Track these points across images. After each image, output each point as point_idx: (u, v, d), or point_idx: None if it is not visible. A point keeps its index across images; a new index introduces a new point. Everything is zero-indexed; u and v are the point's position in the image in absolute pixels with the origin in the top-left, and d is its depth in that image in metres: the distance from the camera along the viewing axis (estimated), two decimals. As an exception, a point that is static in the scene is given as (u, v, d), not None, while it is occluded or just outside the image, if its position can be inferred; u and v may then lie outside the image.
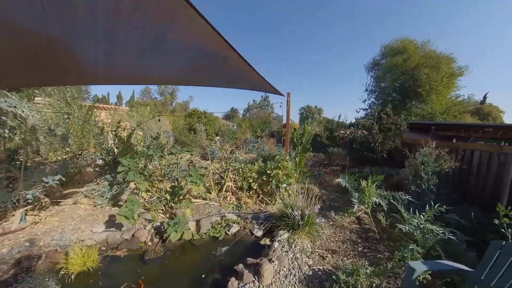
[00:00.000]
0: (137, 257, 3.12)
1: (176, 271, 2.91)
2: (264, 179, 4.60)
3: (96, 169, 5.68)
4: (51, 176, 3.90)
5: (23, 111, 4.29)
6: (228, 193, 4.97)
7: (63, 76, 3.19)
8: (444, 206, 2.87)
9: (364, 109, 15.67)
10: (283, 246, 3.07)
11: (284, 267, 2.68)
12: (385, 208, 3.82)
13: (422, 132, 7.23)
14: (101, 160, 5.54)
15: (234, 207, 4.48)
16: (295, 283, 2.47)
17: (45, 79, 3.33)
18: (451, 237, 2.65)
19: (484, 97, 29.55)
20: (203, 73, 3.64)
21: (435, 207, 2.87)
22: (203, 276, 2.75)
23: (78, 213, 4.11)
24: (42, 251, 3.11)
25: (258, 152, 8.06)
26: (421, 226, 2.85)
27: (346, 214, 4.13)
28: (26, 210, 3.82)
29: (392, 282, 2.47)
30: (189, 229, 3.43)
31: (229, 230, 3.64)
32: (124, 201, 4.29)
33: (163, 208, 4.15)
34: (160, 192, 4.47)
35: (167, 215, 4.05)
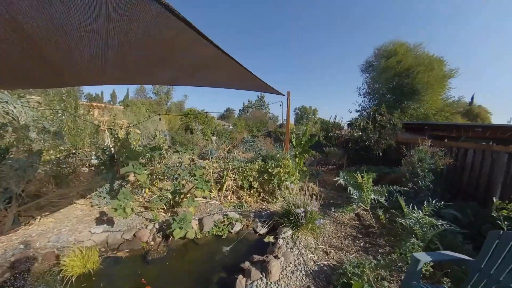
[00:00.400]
0: (140, 258, 3.06)
1: (181, 271, 2.87)
2: (265, 177, 4.61)
3: (91, 168, 5.52)
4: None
5: (15, 107, 4.13)
6: (229, 192, 4.96)
7: (60, 78, 3.10)
8: (442, 202, 2.98)
9: (357, 110, 16.00)
10: (287, 243, 3.09)
11: (290, 263, 2.70)
12: (385, 204, 3.92)
13: (415, 132, 7.46)
14: (96, 160, 5.39)
15: (235, 206, 4.47)
16: (302, 278, 2.50)
17: (43, 81, 3.24)
18: (451, 227, 2.76)
19: (472, 99, 30.80)
20: (201, 75, 3.65)
21: (434, 202, 2.97)
22: (208, 274, 2.73)
23: (75, 213, 3.98)
24: (38, 253, 3.00)
25: (256, 151, 8.08)
26: (421, 220, 2.95)
27: (345, 211, 4.21)
28: (19, 211, 3.66)
29: (395, 275, 2.54)
30: (192, 227, 3.40)
31: (232, 229, 3.63)
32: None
33: (164, 207, 4.08)
34: (161, 191, 4.40)
35: (169, 214, 3.99)
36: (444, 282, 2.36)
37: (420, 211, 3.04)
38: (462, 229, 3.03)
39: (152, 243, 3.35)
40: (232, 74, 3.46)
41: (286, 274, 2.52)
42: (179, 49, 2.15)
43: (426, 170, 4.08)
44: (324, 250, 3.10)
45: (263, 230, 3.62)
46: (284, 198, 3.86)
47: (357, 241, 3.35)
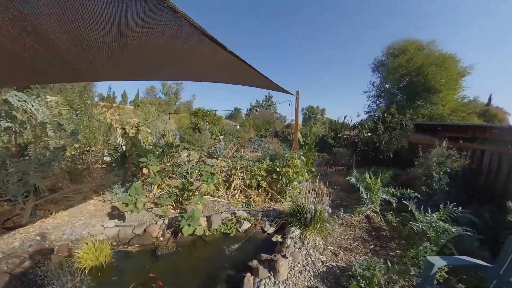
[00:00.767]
0: (149, 253, 3.12)
1: (190, 267, 2.91)
2: (274, 177, 4.60)
3: (103, 165, 5.68)
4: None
5: (32, 105, 4.31)
6: (237, 190, 4.98)
7: (76, 73, 3.23)
8: (460, 208, 2.87)
9: (366, 112, 15.70)
10: (295, 243, 3.07)
11: (298, 263, 2.68)
12: (395, 206, 3.82)
13: (428, 132, 7.23)
14: (108, 157, 5.55)
15: (243, 205, 4.48)
16: (310, 278, 2.48)
17: (54, 76, 3.38)
18: (467, 233, 2.65)
19: (489, 99, 29.55)
20: (211, 71, 3.69)
21: (451, 206, 2.87)
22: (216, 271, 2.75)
23: (88, 208, 4.11)
24: (53, 245, 3.12)
25: (263, 151, 8.07)
26: (434, 224, 2.86)
27: (355, 213, 4.14)
28: (36, 204, 3.82)
29: (407, 279, 2.47)
30: (201, 225, 3.44)
31: (240, 227, 3.64)
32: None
33: (173, 204, 4.15)
34: (170, 188, 4.48)
35: (178, 210, 4.06)
36: (460, 288, 2.28)
37: (433, 215, 2.94)
38: (478, 233, 2.91)
39: (161, 238, 3.41)
40: (242, 73, 3.49)
41: (294, 274, 2.51)
42: (190, 49, 2.18)
43: (442, 173, 3.95)
44: (333, 251, 3.06)
45: (271, 229, 3.61)
46: (292, 197, 3.84)
47: (367, 243, 3.29)
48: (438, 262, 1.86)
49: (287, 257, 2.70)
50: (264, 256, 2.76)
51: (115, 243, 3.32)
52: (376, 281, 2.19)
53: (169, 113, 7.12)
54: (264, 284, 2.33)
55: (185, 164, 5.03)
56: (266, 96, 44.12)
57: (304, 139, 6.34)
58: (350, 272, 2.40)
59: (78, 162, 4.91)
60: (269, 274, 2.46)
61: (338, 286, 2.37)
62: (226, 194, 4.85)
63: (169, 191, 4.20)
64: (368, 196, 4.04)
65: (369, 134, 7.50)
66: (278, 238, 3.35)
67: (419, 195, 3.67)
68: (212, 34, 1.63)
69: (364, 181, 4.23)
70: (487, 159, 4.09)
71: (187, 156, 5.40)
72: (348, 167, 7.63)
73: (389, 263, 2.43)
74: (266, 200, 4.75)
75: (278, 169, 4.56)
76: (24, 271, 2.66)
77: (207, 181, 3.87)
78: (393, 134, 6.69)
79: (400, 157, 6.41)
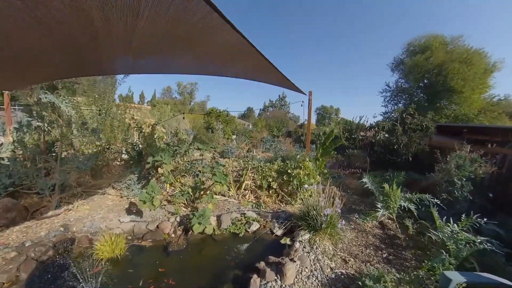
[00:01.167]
0: (161, 248, 3.24)
1: (198, 264, 2.98)
2: (285, 178, 4.57)
3: (122, 162, 5.98)
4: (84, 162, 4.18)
5: (60, 106, 4.63)
6: (247, 191, 5.00)
7: (99, 66, 3.49)
8: (485, 219, 2.66)
9: (383, 113, 15.01)
10: (304, 247, 3.02)
11: (306, 268, 2.64)
12: (416, 214, 3.62)
13: (451, 135, 6.77)
14: (126, 155, 5.83)
15: (253, 205, 4.50)
16: (318, 285, 2.43)
17: (81, 70, 3.65)
18: (491, 246, 2.45)
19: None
20: (223, 64, 3.74)
21: (475, 217, 2.67)
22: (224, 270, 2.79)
23: (106, 203, 4.35)
24: (75, 236, 3.34)
25: (275, 151, 8.03)
26: (455, 235, 2.67)
27: (368, 218, 3.99)
28: (61, 197, 4.11)
29: (422, 292, 2.34)
30: (211, 224, 3.50)
31: (249, 228, 3.67)
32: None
33: (185, 202, 4.27)
34: (183, 186, 4.61)
35: (189, 209, 4.17)
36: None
37: (455, 224, 2.75)
38: (506, 248, 2.68)
39: (173, 235, 3.52)
40: (256, 66, 3.50)
41: (301, 279, 2.47)
42: (205, 33, 2.18)
43: (464, 179, 3.68)
44: (343, 257, 2.97)
45: (279, 232, 3.59)
46: (303, 200, 3.78)
47: (380, 252, 3.16)
48: (457, 278, 1.74)
49: (295, 261, 2.67)
50: (272, 258, 2.75)
51: (130, 237, 3.48)
52: (387, 293, 2.10)
53: (183, 113, 7.33)
54: (270, 287, 2.33)
55: (197, 163, 5.14)
56: (279, 96, 43.87)
57: (321, 140, 6.20)
58: (359, 282, 2.31)
59: (99, 159, 5.20)
60: (275, 277, 2.45)
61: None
62: (237, 194, 4.90)
63: (181, 190, 4.32)
64: (384, 203, 3.87)
65: (386, 135, 7.16)
66: (287, 240, 3.32)
67: (438, 202, 3.45)
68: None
69: (377, 184, 4.06)
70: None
71: (200, 155, 5.53)
72: (363, 169, 7.37)
73: (401, 274, 2.31)
74: (276, 201, 4.72)
75: (289, 171, 4.52)
76: (49, 259, 2.88)
77: (220, 182, 3.93)
78: (413, 136, 6.34)
79: (420, 161, 6.07)
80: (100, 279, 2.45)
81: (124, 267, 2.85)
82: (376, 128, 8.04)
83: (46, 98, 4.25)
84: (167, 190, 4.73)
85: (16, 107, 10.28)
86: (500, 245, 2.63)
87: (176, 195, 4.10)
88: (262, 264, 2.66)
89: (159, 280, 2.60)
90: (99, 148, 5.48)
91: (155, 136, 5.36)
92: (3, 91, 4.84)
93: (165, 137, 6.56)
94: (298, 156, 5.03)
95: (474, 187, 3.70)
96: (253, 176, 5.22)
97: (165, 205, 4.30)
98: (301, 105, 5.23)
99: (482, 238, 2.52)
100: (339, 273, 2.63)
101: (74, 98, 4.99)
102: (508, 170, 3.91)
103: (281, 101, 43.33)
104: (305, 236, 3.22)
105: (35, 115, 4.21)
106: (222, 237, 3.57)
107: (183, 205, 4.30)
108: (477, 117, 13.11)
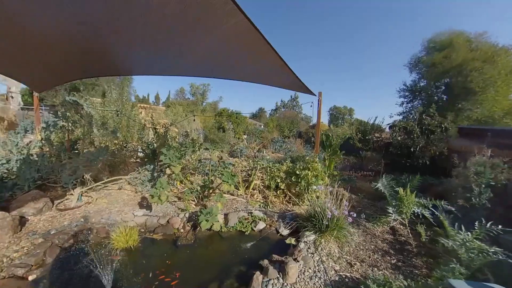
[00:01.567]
0: (171, 242, 3.40)
1: (205, 259, 3.09)
2: (293, 179, 4.57)
3: (137, 160, 6.31)
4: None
5: (83, 107, 5.00)
6: (255, 191, 5.07)
7: (114, 67, 3.75)
8: (499, 226, 2.51)
9: (400, 113, 14.35)
10: (309, 248, 3.03)
11: (310, 268, 2.65)
12: (431, 220, 3.48)
13: (474, 138, 6.37)
14: (141, 153, 6.14)
15: (261, 205, 4.55)
16: (320, 286, 2.43)
17: (99, 70, 3.94)
18: (505, 258, 2.30)
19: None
20: (238, 67, 3.84)
21: (489, 224, 2.53)
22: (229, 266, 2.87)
23: (122, 197, 4.63)
24: (93, 227, 3.59)
25: (285, 152, 8.02)
26: (468, 244, 2.55)
27: (379, 223, 3.89)
28: (82, 191, 4.44)
29: (429, 300, 2.26)
30: (218, 221, 3.61)
31: (255, 227, 3.73)
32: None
33: (195, 199, 4.42)
34: (192, 184, 4.77)
35: (199, 206, 4.32)
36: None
37: (468, 232, 2.62)
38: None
39: (182, 230, 3.67)
40: (267, 68, 3.55)
41: (303, 279, 2.49)
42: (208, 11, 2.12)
43: (483, 186, 3.48)
44: (349, 261, 2.94)
45: (285, 232, 3.62)
46: (310, 201, 3.77)
47: (388, 257, 3.08)
48: (462, 287, 1.67)
49: (298, 261, 2.69)
50: (275, 257, 2.79)
51: (142, 230, 3.68)
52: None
53: (194, 115, 7.56)
54: (272, 284, 2.37)
55: (206, 162, 5.30)
56: (291, 96, 43.47)
57: (327, 141, 6.11)
58: (363, 286, 2.28)
59: (117, 157, 5.53)
60: (278, 275, 2.49)
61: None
62: (245, 194, 4.98)
63: (191, 187, 4.48)
64: (397, 208, 3.75)
65: (403, 137, 6.87)
66: (292, 241, 3.34)
67: (453, 209, 3.29)
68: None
69: (390, 188, 3.94)
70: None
71: (209, 155, 5.69)
72: (376, 172, 7.15)
73: (407, 282, 2.25)
74: (284, 202, 4.74)
75: (297, 172, 4.52)
76: (70, 246, 3.14)
77: (227, 182, 4.04)
78: (431, 138, 6.05)
79: (438, 165, 5.78)
80: (115, 266, 2.63)
81: (137, 257, 3.03)
82: (392, 129, 7.75)
83: (70, 99, 4.62)
84: (178, 188, 4.92)
85: (43, 108, 11.17)
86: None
87: (186, 192, 4.26)
88: (265, 262, 2.71)
89: (168, 272, 2.74)
90: (117, 146, 5.83)
91: (168, 136, 5.60)
92: (33, 93, 5.31)
93: (177, 137, 6.81)
94: (307, 157, 5.00)
95: (494, 194, 3.48)
96: (261, 176, 5.28)
97: (175, 201, 4.49)
98: (311, 106, 5.20)
99: (498, 249, 2.37)
100: (344, 276, 2.61)
101: (95, 99, 5.36)
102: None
103: (293, 101, 42.94)
104: (310, 237, 3.22)
105: (60, 115, 4.59)
106: (228, 234, 3.66)
107: (193, 202, 4.45)
108: (503, 119, 12.12)
